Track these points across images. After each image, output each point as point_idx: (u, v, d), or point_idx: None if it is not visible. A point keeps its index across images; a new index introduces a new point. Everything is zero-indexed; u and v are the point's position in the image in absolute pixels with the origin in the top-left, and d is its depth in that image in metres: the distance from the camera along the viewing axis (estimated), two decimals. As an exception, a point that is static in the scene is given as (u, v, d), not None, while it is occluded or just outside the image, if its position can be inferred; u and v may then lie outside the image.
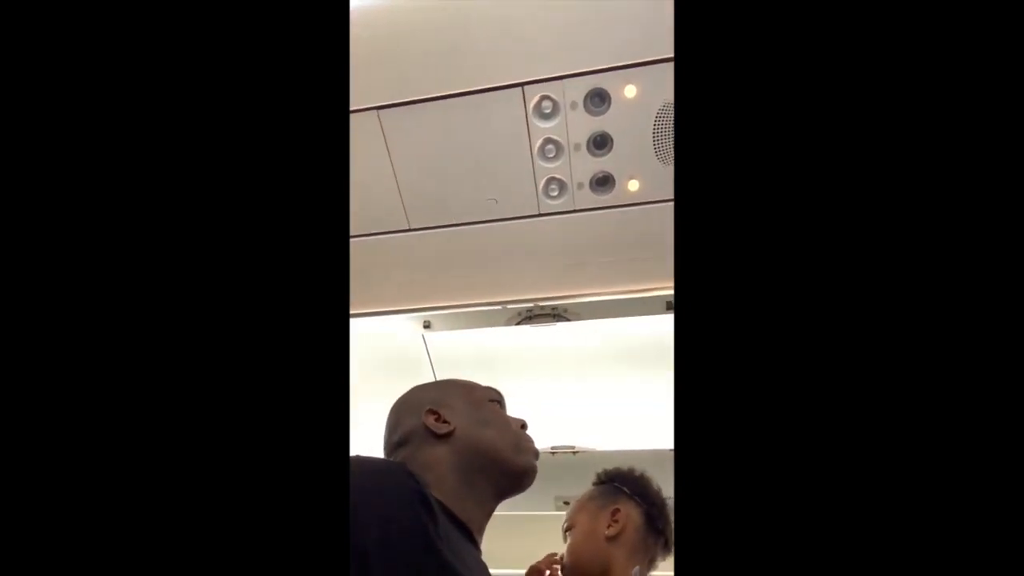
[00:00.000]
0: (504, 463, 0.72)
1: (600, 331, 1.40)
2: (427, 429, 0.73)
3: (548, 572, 1.04)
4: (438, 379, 0.86)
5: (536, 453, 0.76)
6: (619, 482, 1.05)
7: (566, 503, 1.81)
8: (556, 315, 1.37)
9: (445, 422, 0.73)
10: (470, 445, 0.72)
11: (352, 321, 1.33)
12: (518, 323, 1.42)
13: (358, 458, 0.57)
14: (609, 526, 0.98)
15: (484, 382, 0.83)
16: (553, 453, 1.69)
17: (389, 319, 1.37)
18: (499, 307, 1.25)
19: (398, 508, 0.53)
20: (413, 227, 1.13)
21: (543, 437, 1.72)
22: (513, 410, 0.81)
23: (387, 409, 0.80)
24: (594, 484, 1.09)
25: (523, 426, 0.79)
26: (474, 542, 0.68)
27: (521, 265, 1.15)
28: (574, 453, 1.68)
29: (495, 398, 0.80)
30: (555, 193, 1.05)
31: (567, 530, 1.04)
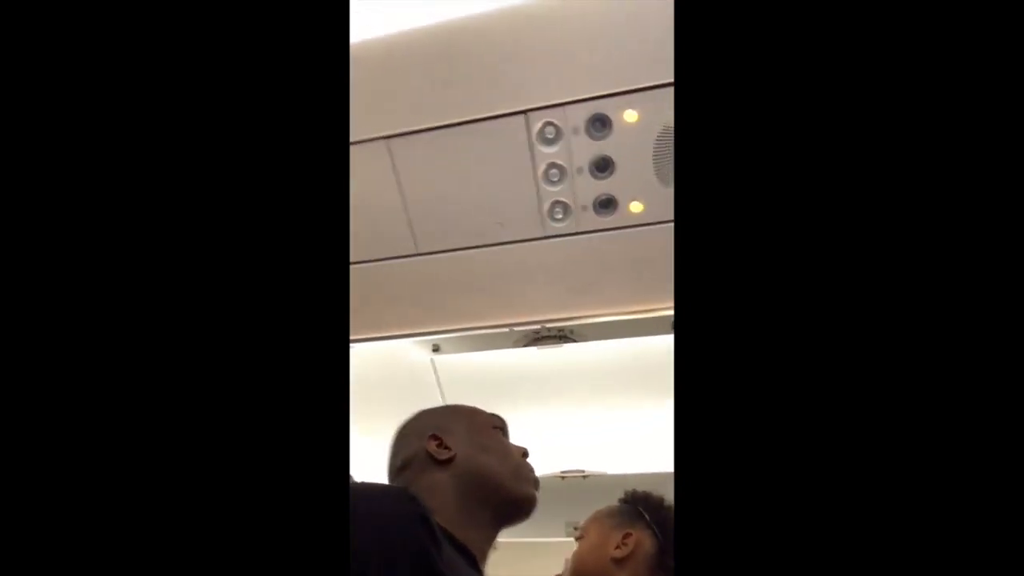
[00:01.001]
0: (503, 491, 0.73)
1: (607, 352, 1.41)
2: (428, 454, 0.74)
3: None
4: (444, 404, 0.87)
5: (536, 482, 0.77)
6: (643, 506, 1.04)
7: (576, 528, 1.80)
8: (563, 336, 1.38)
9: (446, 448, 0.74)
10: (470, 471, 0.73)
11: (361, 345, 1.35)
12: (525, 345, 1.43)
13: (360, 484, 0.58)
14: (618, 547, 0.97)
15: (493, 405, 0.84)
16: (563, 477, 1.67)
17: (398, 343, 1.38)
18: (506, 329, 1.27)
19: (400, 532, 0.53)
20: (421, 251, 1.16)
21: (553, 461, 1.72)
22: (522, 433, 0.81)
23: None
24: (619, 501, 1.08)
25: (524, 454, 0.80)
26: (477, 568, 0.68)
27: (527, 287, 1.17)
28: (584, 477, 1.67)
29: (498, 425, 0.81)
30: (559, 216, 1.07)
31: (577, 538, 1.03)
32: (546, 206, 1.06)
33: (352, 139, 1.03)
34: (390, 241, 1.14)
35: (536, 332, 1.33)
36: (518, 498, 0.74)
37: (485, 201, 1.07)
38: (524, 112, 0.98)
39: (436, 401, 1.66)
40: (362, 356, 1.39)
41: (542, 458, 1.64)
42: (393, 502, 0.56)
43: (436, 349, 1.47)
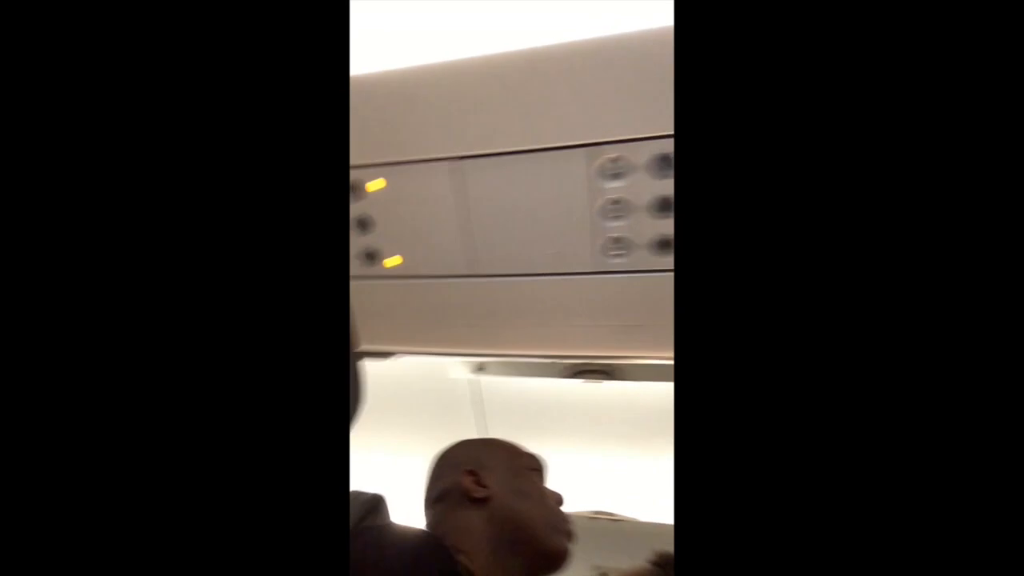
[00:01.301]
0: (538, 542, 0.71)
1: (651, 395, 1.37)
2: (464, 490, 0.72)
3: None
4: (485, 437, 0.86)
5: (571, 534, 0.75)
6: (672, 570, 1.00)
7: (604, 575, 1.74)
8: (605, 373, 1.36)
9: (483, 486, 0.73)
10: (505, 516, 0.71)
11: (407, 359, 1.37)
12: (568, 376, 1.42)
13: (391, 528, 0.57)
14: None
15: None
16: (592, 518, 1.64)
17: (441, 360, 1.39)
18: (549, 361, 1.26)
19: None
20: (477, 273, 1.17)
21: (584, 499, 1.68)
22: (556, 467, 0.79)
23: (434, 447, 0.81)
24: (649, 562, 1.03)
25: (559, 502, 0.78)
26: None
27: (576, 321, 1.16)
28: (614, 521, 1.63)
29: (536, 467, 0.79)
30: (615, 252, 1.06)
31: None
32: (601, 241, 1.06)
33: (426, 156, 1.06)
34: (448, 260, 1.16)
35: (579, 366, 1.31)
36: (551, 551, 0.71)
37: (543, 230, 1.08)
38: (587, 145, 0.98)
39: (474, 421, 1.66)
40: (404, 370, 1.41)
41: (574, 496, 1.62)
42: (426, 557, 0.56)
43: (480, 369, 1.48)
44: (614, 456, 1.57)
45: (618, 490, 1.60)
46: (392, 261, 1.13)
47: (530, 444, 1.58)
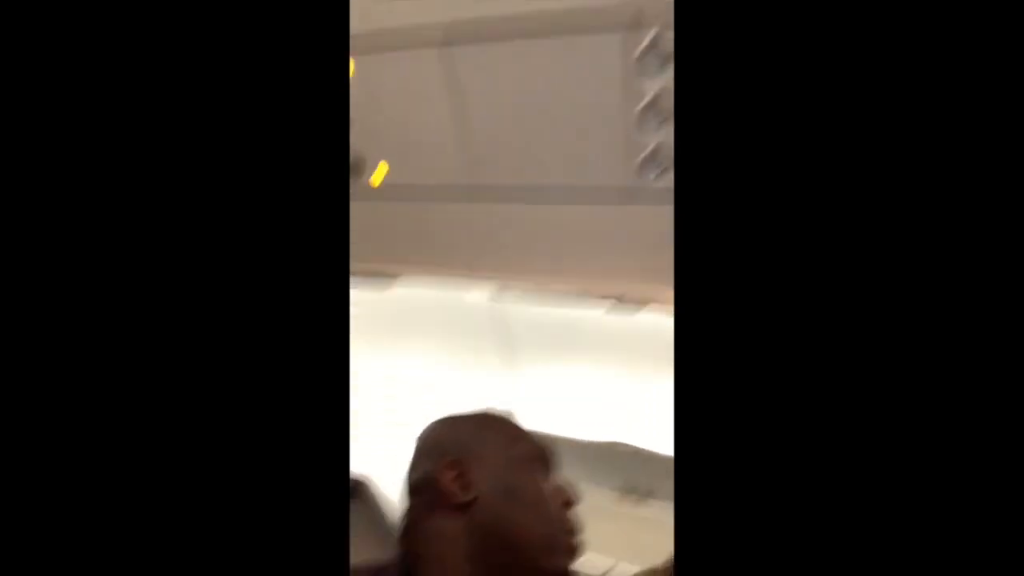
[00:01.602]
0: (530, 563, 0.56)
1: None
2: (441, 492, 0.57)
3: None
4: (479, 414, 0.67)
5: (572, 552, 0.59)
6: None
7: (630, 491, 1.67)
8: (641, 303, 1.19)
9: (467, 485, 0.58)
10: (492, 527, 0.56)
11: (415, 287, 1.21)
12: (598, 305, 1.25)
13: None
14: None
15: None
16: (610, 447, 1.53)
17: (458, 283, 1.23)
18: (576, 295, 1.08)
19: None
20: (476, 184, 0.95)
21: (610, 429, 1.58)
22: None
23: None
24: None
25: (568, 503, 0.61)
26: None
27: (603, 259, 0.95)
28: (635, 453, 1.53)
29: (540, 456, 0.62)
30: (655, 169, 0.84)
31: None
32: (639, 157, 0.83)
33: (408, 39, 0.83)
34: (442, 166, 0.95)
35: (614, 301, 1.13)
36: (548, 574, 0.57)
37: (561, 138, 0.85)
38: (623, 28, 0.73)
39: (493, 350, 1.54)
40: (419, 292, 1.26)
41: (594, 422, 1.50)
42: None
43: (500, 296, 1.32)
44: (646, 387, 1.43)
45: (646, 421, 1.48)
46: (378, 174, 0.92)
47: (559, 370, 1.42)
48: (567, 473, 0.62)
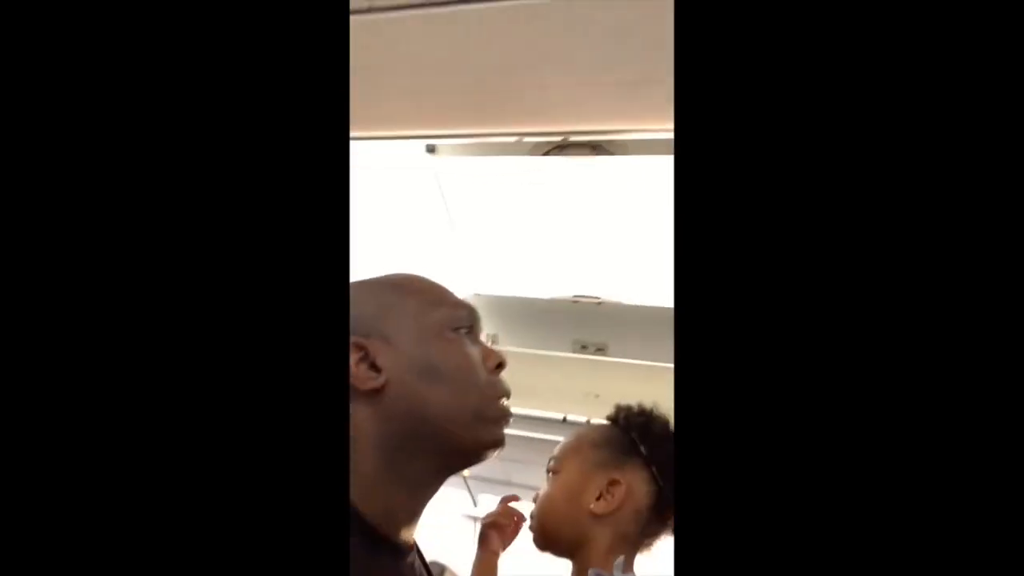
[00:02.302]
0: (455, 439, 0.50)
1: (647, 170, 1.10)
2: (349, 379, 0.49)
3: (507, 525, 0.84)
4: (390, 275, 0.57)
5: (505, 417, 0.53)
6: (637, 433, 0.75)
7: (584, 347, 1.66)
8: (596, 147, 1.07)
9: (375, 369, 0.50)
10: (406, 413, 0.50)
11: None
12: (545, 153, 1.12)
13: None
14: (599, 497, 0.71)
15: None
16: (575, 301, 1.48)
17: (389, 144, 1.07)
18: (514, 139, 0.94)
19: None
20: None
21: (566, 284, 1.52)
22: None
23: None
24: (608, 419, 0.80)
25: (499, 365, 0.54)
26: (400, 551, 0.50)
27: (552, 79, 0.81)
28: (598, 304, 1.48)
29: (461, 324, 0.53)
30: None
31: (550, 471, 0.76)
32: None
33: None
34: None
35: (560, 142, 1.00)
36: (476, 446, 0.52)
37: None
38: None
39: (438, 210, 1.41)
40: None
41: (554, 280, 1.43)
42: None
43: (430, 151, 1.17)
44: (600, 237, 1.35)
45: (603, 272, 1.42)
46: None
47: (503, 232, 1.31)
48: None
